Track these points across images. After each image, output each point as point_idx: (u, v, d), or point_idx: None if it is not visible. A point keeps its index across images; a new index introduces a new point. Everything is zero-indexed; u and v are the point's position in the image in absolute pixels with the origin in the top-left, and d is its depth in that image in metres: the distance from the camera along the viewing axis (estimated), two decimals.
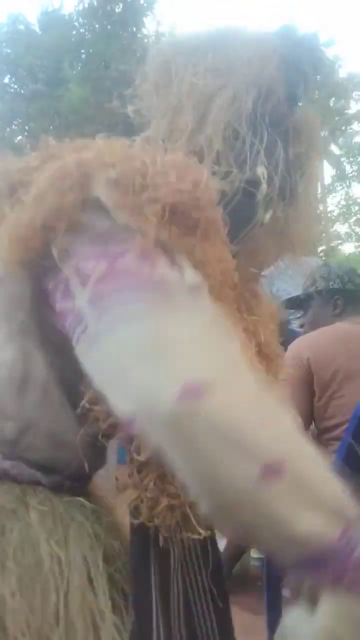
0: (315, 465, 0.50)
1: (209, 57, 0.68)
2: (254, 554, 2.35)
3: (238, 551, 2.16)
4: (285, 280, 2.47)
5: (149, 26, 8.38)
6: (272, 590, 1.52)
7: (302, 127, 0.72)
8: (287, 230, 0.75)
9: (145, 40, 8.04)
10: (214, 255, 0.57)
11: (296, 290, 2.11)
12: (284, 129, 0.70)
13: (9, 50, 7.64)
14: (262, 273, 0.80)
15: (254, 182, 0.67)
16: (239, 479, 0.46)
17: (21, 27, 7.86)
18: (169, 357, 0.48)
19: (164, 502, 0.57)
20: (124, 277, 0.51)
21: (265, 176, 0.67)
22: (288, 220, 0.74)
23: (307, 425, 1.77)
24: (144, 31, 8.14)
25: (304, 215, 0.76)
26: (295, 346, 1.80)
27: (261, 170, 0.67)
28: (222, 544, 1.28)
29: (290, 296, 2.13)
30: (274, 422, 0.50)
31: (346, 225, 14.88)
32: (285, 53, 0.68)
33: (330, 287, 1.89)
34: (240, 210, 0.66)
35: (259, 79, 0.66)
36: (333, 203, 14.66)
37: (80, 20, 7.94)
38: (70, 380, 0.60)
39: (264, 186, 0.67)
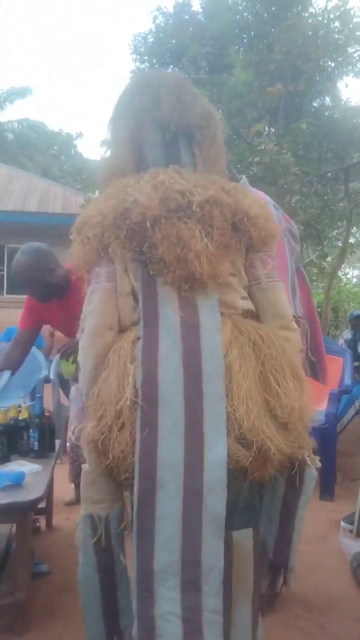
0: None
1: None
2: None
3: None
4: None
5: (317, 3, 7.93)
6: None
7: None
8: None
9: (311, 21, 7.62)
10: None
11: None
12: None
13: (174, 41, 7.75)
14: None
15: None
16: None
17: (186, 17, 7.93)
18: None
19: None
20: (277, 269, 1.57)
21: None
22: None
23: None
24: (311, 10, 7.71)
25: None
26: None
27: None
28: None
29: None
30: None
31: None
32: None
33: None
34: None
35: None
36: None
37: (244, 4, 7.77)
38: None
39: None
